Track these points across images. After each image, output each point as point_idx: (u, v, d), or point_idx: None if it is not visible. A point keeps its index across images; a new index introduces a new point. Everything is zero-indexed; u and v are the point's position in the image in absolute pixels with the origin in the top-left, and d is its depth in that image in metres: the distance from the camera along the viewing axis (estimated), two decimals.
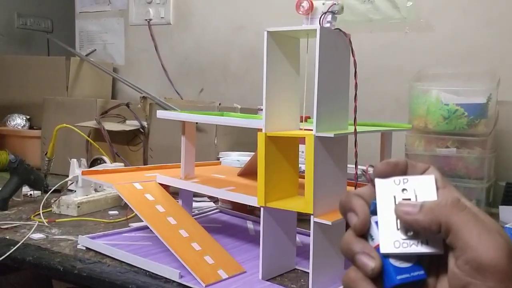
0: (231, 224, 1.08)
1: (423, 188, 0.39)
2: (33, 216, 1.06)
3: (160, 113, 0.93)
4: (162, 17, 2.00)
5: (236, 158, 1.24)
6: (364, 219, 0.39)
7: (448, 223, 0.36)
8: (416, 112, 1.20)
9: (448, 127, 1.16)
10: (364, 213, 0.39)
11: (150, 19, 2.01)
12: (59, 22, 2.27)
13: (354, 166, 0.75)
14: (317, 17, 0.76)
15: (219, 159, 1.30)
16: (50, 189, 1.16)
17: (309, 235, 0.97)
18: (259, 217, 1.08)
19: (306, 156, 0.71)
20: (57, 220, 1.05)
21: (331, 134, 0.70)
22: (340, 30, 0.76)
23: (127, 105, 1.56)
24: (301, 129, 0.81)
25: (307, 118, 0.95)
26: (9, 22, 2.12)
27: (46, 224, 1.02)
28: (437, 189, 0.39)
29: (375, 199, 0.40)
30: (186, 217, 0.87)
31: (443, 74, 1.35)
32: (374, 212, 0.40)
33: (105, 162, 1.38)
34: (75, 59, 1.85)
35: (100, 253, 0.86)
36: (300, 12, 0.76)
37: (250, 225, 1.07)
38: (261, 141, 0.74)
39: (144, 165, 1.49)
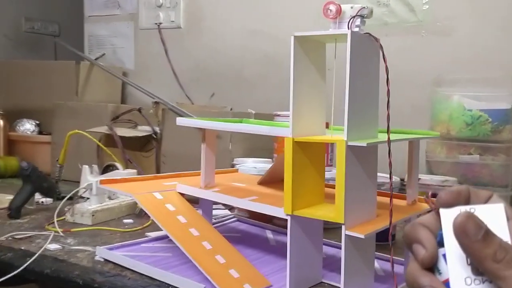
0: (250, 233, 1.06)
1: (492, 219, 0.37)
2: (48, 225, 1.04)
3: (180, 120, 0.90)
4: (172, 21, 1.97)
5: (253, 165, 1.21)
6: (432, 252, 0.38)
7: (499, 278, 0.35)
8: (438, 118, 1.17)
9: (471, 133, 1.13)
10: (432, 246, 0.38)
11: (160, 23, 1.99)
12: (66, 26, 2.25)
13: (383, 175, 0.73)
14: (345, 21, 0.73)
15: (233, 166, 1.27)
16: (64, 197, 1.13)
17: (333, 246, 0.95)
18: (279, 226, 1.06)
19: (337, 163, 0.68)
20: (72, 230, 1.02)
21: (363, 143, 0.68)
22: (370, 35, 0.73)
23: (139, 110, 1.53)
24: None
25: (327, 125, 0.92)
26: (17, 26, 2.10)
27: (61, 233, 0.99)
28: (508, 219, 0.37)
29: (440, 229, 0.38)
30: (208, 228, 0.84)
31: (461, 78, 1.32)
32: (440, 243, 0.38)
33: (118, 169, 1.35)
34: (85, 64, 1.83)
35: (119, 265, 0.83)
36: (330, 16, 0.73)
37: (270, 235, 1.04)
38: (288, 146, 0.72)
39: (157, 171, 1.46)
